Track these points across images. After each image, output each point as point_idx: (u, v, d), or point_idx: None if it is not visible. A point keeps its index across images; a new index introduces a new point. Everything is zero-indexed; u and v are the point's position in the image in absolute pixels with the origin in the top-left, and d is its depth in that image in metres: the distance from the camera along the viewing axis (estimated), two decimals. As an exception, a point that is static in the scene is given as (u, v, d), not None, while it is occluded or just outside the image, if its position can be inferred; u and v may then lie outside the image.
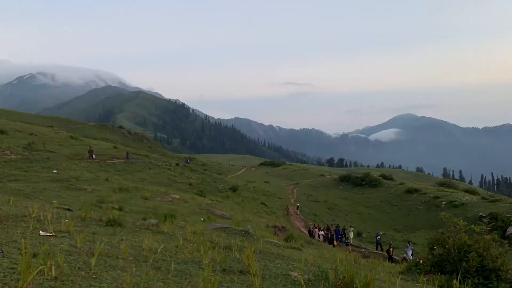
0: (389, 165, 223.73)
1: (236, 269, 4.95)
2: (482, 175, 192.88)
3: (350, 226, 34.86)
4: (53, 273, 3.41)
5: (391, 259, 25.21)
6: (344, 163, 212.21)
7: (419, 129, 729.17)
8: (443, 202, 43.91)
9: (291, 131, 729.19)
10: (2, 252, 3.90)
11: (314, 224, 34.31)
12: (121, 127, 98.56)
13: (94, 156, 35.78)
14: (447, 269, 7.67)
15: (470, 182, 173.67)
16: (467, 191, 56.80)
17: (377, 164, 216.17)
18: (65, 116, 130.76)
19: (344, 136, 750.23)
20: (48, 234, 5.30)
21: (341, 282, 4.63)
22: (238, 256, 5.93)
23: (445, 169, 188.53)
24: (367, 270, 5.21)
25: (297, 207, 44.69)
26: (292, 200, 48.97)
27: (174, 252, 5.53)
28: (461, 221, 8.28)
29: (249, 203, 37.49)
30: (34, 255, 3.78)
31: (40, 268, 3.28)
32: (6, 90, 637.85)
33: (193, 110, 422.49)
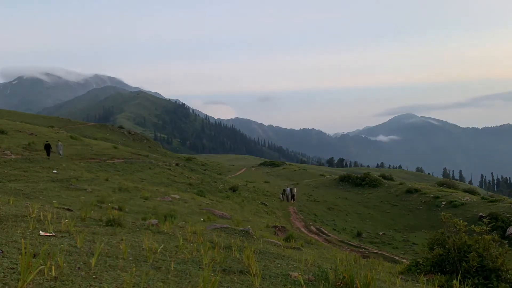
0: (389, 165, 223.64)
1: (236, 269, 4.95)
2: (482, 175, 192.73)
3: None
4: (53, 273, 3.42)
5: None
6: (344, 163, 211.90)
7: (419, 129, 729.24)
8: (443, 202, 43.84)
9: (291, 131, 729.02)
10: (2, 252, 3.90)
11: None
12: (121, 127, 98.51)
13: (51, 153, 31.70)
14: (447, 269, 7.67)
15: (470, 182, 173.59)
16: (467, 191, 56.73)
17: (377, 164, 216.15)
18: (65, 116, 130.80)
19: (344, 136, 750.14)
20: (48, 234, 5.30)
21: (341, 282, 4.63)
22: (238, 256, 5.93)
23: (445, 169, 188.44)
24: (367, 270, 5.21)
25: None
26: (292, 200, 48.98)
27: (174, 252, 5.53)
28: (461, 221, 8.28)
29: (249, 203, 37.47)
30: (34, 255, 3.78)
31: (40, 268, 3.28)
32: (6, 90, 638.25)
33: (193, 110, 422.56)
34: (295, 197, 46.93)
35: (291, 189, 48.73)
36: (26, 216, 6.51)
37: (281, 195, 47.60)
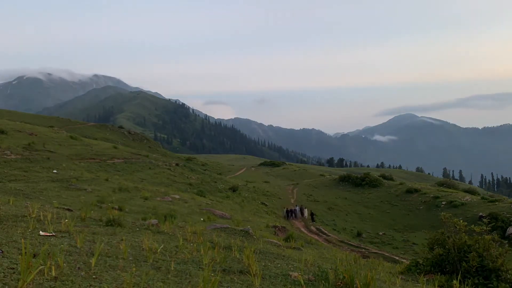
0: (389, 165, 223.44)
1: (236, 269, 4.95)
2: (482, 175, 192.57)
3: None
4: (53, 273, 3.42)
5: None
6: (344, 163, 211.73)
7: (419, 129, 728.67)
8: (443, 202, 43.88)
9: (291, 131, 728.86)
10: (2, 252, 3.91)
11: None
12: (121, 127, 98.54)
13: None
14: (447, 269, 7.67)
15: (470, 182, 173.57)
16: (467, 191, 56.78)
17: (377, 164, 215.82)
18: (65, 116, 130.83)
19: (344, 136, 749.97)
20: (48, 234, 5.30)
21: (341, 282, 4.63)
22: (238, 256, 5.93)
23: (445, 169, 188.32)
24: (367, 270, 5.21)
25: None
26: (292, 200, 48.96)
27: (174, 252, 5.53)
28: (461, 221, 8.28)
29: (249, 203, 37.49)
30: (34, 255, 3.78)
31: (40, 268, 3.29)
32: (6, 90, 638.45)
33: (193, 110, 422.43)
34: (305, 215, 38.89)
35: (301, 209, 39.22)
36: (26, 216, 6.51)
37: (284, 211, 38.78)
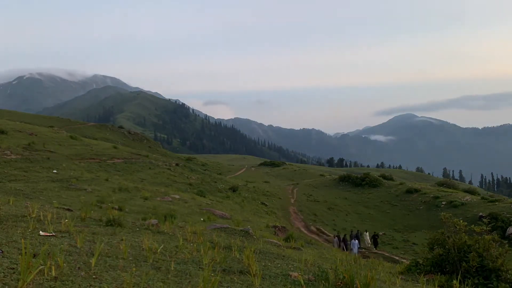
0: (389, 165, 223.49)
1: (236, 269, 4.95)
2: (482, 175, 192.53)
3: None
4: (53, 273, 3.42)
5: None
6: (344, 163, 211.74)
7: (419, 129, 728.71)
8: (443, 202, 43.85)
9: (291, 131, 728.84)
10: (2, 252, 3.90)
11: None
12: (121, 127, 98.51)
13: None
14: (447, 269, 7.68)
15: (470, 182, 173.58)
16: (467, 191, 56.74)
17: (377, 164, 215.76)
18: (65, 116, 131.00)
19: (344, 136, 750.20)
20: (48, 234, 5.30)
21: (341, 282, 4.63)
22: (238, 256, 5.93)
23: (445, 169, 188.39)
24: (367, 270, 5.20)
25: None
26: (292, 200, 48.95)
27: (174, 252, 5.53)
28: (461, 221, 8.29)
29: (249, 203, 37.47)
30: (34, 255, 3.78)
31: (40, 268, 3.29)
32: (6, 90, 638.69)
33: (193, 110, 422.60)
34: (368, 242, 31.17)
35: (356, 237, 29.23)
36: (26, 216, 6.51)
37: (337, 240, 28.24)
